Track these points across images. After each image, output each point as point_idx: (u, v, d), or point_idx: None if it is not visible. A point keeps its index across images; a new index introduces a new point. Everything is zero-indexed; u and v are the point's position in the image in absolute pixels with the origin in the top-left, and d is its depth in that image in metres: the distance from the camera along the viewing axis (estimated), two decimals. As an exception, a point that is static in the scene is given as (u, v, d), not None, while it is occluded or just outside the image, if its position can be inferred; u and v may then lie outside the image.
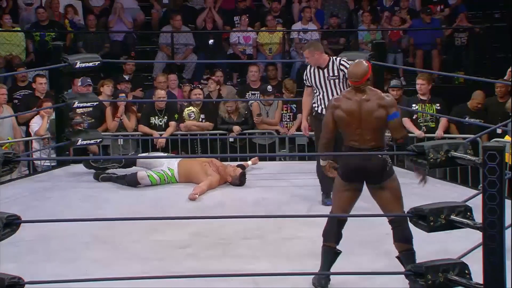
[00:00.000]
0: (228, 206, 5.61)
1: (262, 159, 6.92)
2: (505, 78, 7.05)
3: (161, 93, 7.62)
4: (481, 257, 3.34)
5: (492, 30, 9.66)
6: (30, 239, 4.73)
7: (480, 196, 3.34)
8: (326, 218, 4.25)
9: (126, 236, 4.93)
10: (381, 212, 4.07)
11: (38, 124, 7.18)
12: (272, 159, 7.35)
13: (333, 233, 4.06)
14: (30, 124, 7.32)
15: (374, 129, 3.95)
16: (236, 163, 6.47)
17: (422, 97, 7.26)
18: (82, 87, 7.56)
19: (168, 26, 9.85)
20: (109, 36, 9.90)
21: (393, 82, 7.57)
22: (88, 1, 10.41)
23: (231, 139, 7.55)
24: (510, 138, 5.86)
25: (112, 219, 4.97)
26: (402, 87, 7.84)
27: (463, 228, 3.43)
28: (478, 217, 3.37)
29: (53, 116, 7.02)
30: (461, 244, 4.21)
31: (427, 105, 7.24)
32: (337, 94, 5.32)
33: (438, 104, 7.28)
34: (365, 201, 4.21)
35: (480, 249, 3.39)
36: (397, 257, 3.98)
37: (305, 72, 5.66)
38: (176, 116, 7.60)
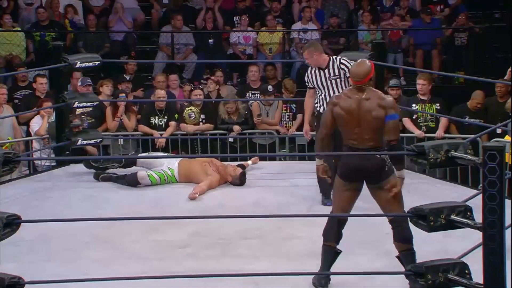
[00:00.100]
0: (228, 206, 5.61)
1: (262, 159, 6.91)
2: (505, 78, 7.05)
3: (161, 93, 7.62)
4: (481, 257, 3.34)
5: (492, 30, 9.65)
6: (30, 239, 4.73)
7: (480, 196, 3.34)
8: (326, 218, 4.25)
9: (126, 236, 4.93)
10: (381, 212, 4.07)
11: (38, 124, 7.18)
12: (272, 159, 7.35)
13: (333, 233, 4.06)
14: (30, 124, 7.32)
15: (373, 129, 3.94)
16: (236, 163, 6.47)
17: (422, 97, 7.26)
18: (82, 87, 7.56)
19: (168, 26, 9.85)
20: (109, 36, 9.90)
21: (392, 81, 7.58)
22: (88, 1, 10.41)
23: (231, 139, 7.55)
24: (510, 138, 5.86)
25: (112, 219, 4.97)
26: (401, 87, 7.84)
27: (463, 228, 3.43)
28: (478, 217, 3.37)
29: (53, 117, 7.01)
30: (461, 244, 4.21)
31: (427, 105, 7.24)
32: (338, 93, 5.30)
33: (438, 104, 7.28)
34: (365, 201, 4.21)
35: (480, 249, 3.39)
36: (397, 257, 3.98)
37: (306, 74, 5.65)
38: (176, 116, 7.61)
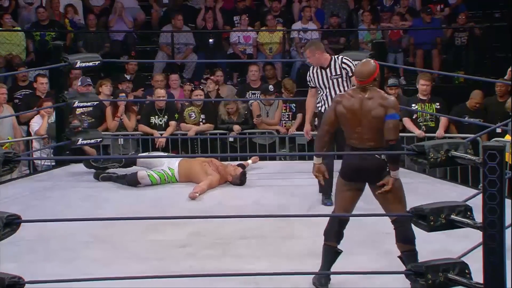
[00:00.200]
0: (228, 205, 5.61)
1: (262, 158, 6.91)
2: (505, 77, 7.05)
3: (160, 92, 7.62)
4: (481, 256, 3.34)
5: (492, 30, 9.65)
6: (30, 239, 4.73)
7: (480, 196, 3.34)
8: (326, 217, 4.25)
9: (126, 235, 4.93)
10: (382, 212, 4.06)
11: (38, 123, 7.18)
12: (272, 158, 7.34)
13: (334, 233, 4.06)
14: (30, 123, 7.32)
15: (373, 129, 3.93)
16: (236, 163, 6.47)
17: (421, 97, 7.26)
18: (82, 87, 7.57)
19: (169, 26, 9.85)
20: (110, 36, 9.90)
21: (391, 81, 7.57)
22: (88, 1, 10.41)
23: (231, 139, 7.55)
24: (510, 138, 5.86)
25: (112, 218, 4.97)
26: (399, 86, 7.84)
27: (463, 227, 3.43)
28: (478, 216, 3.37)
29: (53, 117, 7.01)
30: (461, 244, 4.21)
31: (427, 104, 7.24)
32: (342, 92, 5.29)
33: (437, 104, 7.28)
34: (365, 201, 4.21)
35: (480, 248, 3.39)
36: (399, 257, 3.98)
37: (308, 73, 5.63)
38: (176, 115, 7.61)
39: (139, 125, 7.56)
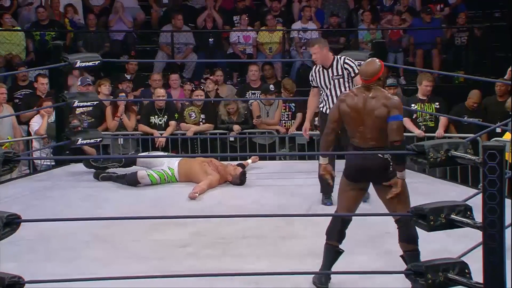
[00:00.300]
0: (228, 205, 5.61)
1: (262, 158, 6.91)
2: (505, 77, 7.05)
3: (160, 92, 7.62)
4: (481, 256, 3.34)
5: (492, 29, 9.66)
6: (30, 238, 4.73)
7: (480, 196, 3.34)
8: (326, 217, 4.25)
9: (126, 235, 4.93)
10: (382, 211, 4.06)
11: (38, 123, 7.18)
12: (272, 158, 7.35)
13: (336, 232, 4.06)
14: (30, 123, 7.32)
15: (375, 128, 3.93)
16: (236, 163, 6.47)
17: (421, 97, 7.26)
18: (81, 87, 7.57)
19: (168, 26, 9.85)
20: (109, 36, 9.91)
21: (389, 80, 7.58)
22: (88, 1, 10.41)
23: (231, 139, 7.55)
24: (509, 137, 5.86)
25: (112, 218, 4.97)
26: (398, 86, 7.84)
27: (463, 227, 3.43)
28: (478, 216, 3.37)
29: (52, 117, 7.01)
30: (461, 244, 4.21)
31: (426, 104, 7.24)
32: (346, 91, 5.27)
33: (437, 103, 7.28)
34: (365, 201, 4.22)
35: (480, 248, 3.39)
36: (401, 256, 3.98)
37: (311, 72, 5.61)
38: (176, 115, 7.61)
39: (139, 125, 7.56)
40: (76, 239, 4.84)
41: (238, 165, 6.33)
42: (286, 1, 10.35)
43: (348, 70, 5.44)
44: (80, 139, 6.56)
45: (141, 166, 6.30)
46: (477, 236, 3.44)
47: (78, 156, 7.13)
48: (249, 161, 6.62)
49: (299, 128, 7.58)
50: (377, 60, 4.08)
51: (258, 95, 7.96)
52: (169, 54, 9.62)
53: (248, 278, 3.98)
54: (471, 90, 7.49)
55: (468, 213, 3.41)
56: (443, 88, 8.74)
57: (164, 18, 10.24)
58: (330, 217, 4.21)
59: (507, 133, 5.95)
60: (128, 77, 8.76)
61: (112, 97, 7.67)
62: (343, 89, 5.38)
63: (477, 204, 3.43)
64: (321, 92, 5.55)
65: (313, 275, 4.09)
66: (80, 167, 6.53)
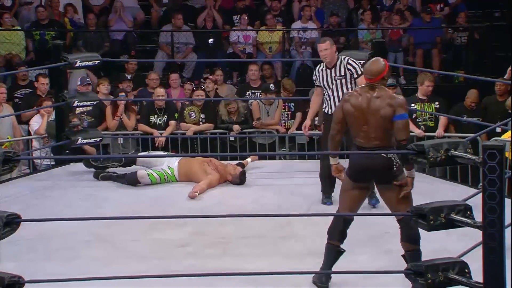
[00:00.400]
0: (228, 205, 5.61)
1: (262, 158, 6.91)
2: (505, 77, 7.05)
3: (160, 92, 7.62)
4: (481, 256, 3.34)
5: (492, 29, 9.66)
6: (30, 238, 4.73)
7: (480, 195, 3.35)
8: (326, 217, 4.25)
9: (126, 235, 4.93)
10: (386, 211, 4.06)
11: (38, 123, 7.18)
12: (272, 158, 7.35)
13: (338, 232, 4.06)
14: (30, 123, 7.32)
15: (380, 128, 3.92)
16: (235, 162, 6.47)
17: (421, 96, 7.26)
18: (81, 86, 7.57)
19: (168, 25, 9.85)
20: (109, 35, 9.90)
21: (388, 80, 7.55)
22: (88, 0, 10.41)
23: (231, 138, 7.55)
24: (509, 136, 5.86)
25: (112, 218, 4.97)
26: (397, 86, 7.84)
27: (463, 227, 3.43)
28: (478, 216, 3.37)
29: (52, 116, 7.01)
30: (461, 243, 4.22)
31: (426, 104, 7.24)
32: (343, 94, 5.27)
33: (437, 103, 7.28)
34: (365, 200, 4.21)
35: (480, 248, 3.39)
36: (403, 256, 3.97)
37: (314, 72, 5.59)
38: (176, 115, 7.61)
39: (139, 124, 7.56)
40: (76, 238, 4.84)
41: (238, 164, 6.33)
42: (286, 1, 10.34)
43: (351, 71, 5.42)
44: (80, 139, 6.56)
45: (141, 165, 6.31)
46: (477, 235, 3.44)
47: (78, 156, 7.13)
48: (249, 159, 6.62)
49: (299, 127, 7.59)
50: (382, 59, 4.08)
51: (258, 94, 7.96)
52: (169, 54, 9.61)
53: (248, 277, 3.98)
54: (469, 90, 7.50)
55: (468, 212, 3.41)
56: (443, 87, 8.74)
57: (164, 17, 10.24)
58: (330, 217, 4.21)
59: (507, 132, 5.95)
60: (129, 76, 8.75)
61: (112, 96, 7.67)
62: (345, 89, 5.37)
63: (477, 203, 3.43)
64: (324, 92, 5.53)
65: (313, 275, 4.09)
66: (80, 166, 6.53)
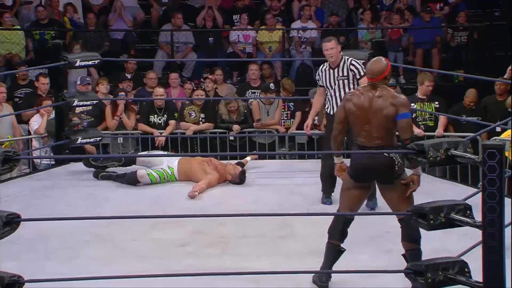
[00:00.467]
0: (227, 204, 5.61)
1: (261, 157, 6.91)
2: (505, 76, 7.06)
3: (159, 91, 7.62)
4: (480, 255, 3.34)
5: (492, 29, 9.66)
6: (30, 238, 4.73)
7: (480, 195, 3.35)
8: (326, 216, 4.25)
9: (126, 234, 4.93)
10: (386, 210, 4.06)
11: (37, 122, 7.18)
12: (272, 157, 7.35)
13: (338, 231, 4.06)
14: (29, 122, 7.32)
15: (382, 127, 3.91)
16: (235, 161, 6.46)
17: (420, 96, 7.26)
18: (81, 86, 7.57)
19: (168, 25, 9.85)
20: (109, 35, 9.90)
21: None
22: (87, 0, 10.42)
23: (230, 138, 7.56)
24: (508, 135, 5.86)
25: (112, 217, 4.96)
26: (396, 85, 7.84)
27: (463, 226, 3.43)
28: (478, 215, 3.37)
29: (52, 115, 7.01)
30: (460, 242, 4.22)
31: (426, 103, 7.24)
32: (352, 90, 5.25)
33: (436, 102, 7.29)
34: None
35: (480, 247, 3.39)
36: (403, 255, 3.97)
37: (318, 71, 5.58)
38: (176, 114, 7.61)
39: (139, 124, 7.56)
40: (76, 238, 4.84)
41: (237, 163, 6.33)
42: (286, 0, 10.35)
43: (354, 72, 5.40)
44: (80, 138, 6.56)
45: (140, 165, 6.31)
46: (477, 235, 3.44)
47: (77, 155, 7.13)
48: (248, 158, 6.62)
49: (299, 127, 7.59)
50: (383, 58, 4.08)
51: (258, 94, 7.96)
52: (169, 53, 9.62)
53: (248, 277, 3.98)
54: (468, 89, 7.50)
55: (468, 212, 3.41)
56: (443, 87, 8.74)
57: (164, 17, 10.24)
58: (330, 217, 4.20)
59: (507, 131, 5.95)
60: (129, 76, 8.75)
61: (111, 96, 7.66)
62: (347, 90, 5.34)
63: (476, 203, 3.43)
64: (327, 92, 5.51)
65: (313, 274, 4.09)
66: (80, 166, 6.53)
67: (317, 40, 9.77)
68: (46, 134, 7.06)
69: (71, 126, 6.72)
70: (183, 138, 7.50)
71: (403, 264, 3.85)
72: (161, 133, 7.44)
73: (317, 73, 5.60)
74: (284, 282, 3.97)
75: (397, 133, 3.97)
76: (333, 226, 4.09)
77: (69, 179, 6.34)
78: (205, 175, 6.03)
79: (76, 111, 7.26)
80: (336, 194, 4.82)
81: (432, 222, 3.39)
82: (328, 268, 4.05)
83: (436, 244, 4.22)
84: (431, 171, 6.40)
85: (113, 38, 9.89)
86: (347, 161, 4.16)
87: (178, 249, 4.72)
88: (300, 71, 9.46)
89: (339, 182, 4.36)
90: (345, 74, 5.42)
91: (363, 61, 5.54)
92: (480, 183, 3.37)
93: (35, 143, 7.21)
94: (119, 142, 7.53)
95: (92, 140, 6.70)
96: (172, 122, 7.54)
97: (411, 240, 3.94)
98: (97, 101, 6.92)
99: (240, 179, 6.12)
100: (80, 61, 6.45)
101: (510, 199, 4.03)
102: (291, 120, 7.73)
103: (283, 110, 7.77)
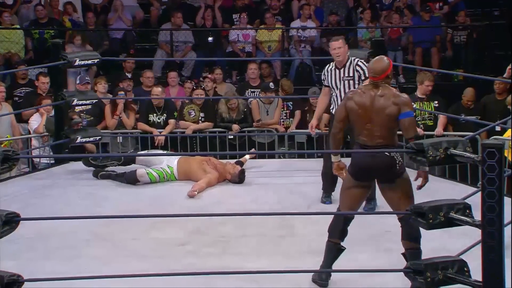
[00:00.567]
0: (227, 203, 5.61)
1: (261, 156, 6.91)
2: (504, 75, 7.06)
3: (156, 90, 7.61)
4: (480, 254, 3.34)
5: (491, 28, 9.66)
6: (30, 237, 4.73)
7: (479, 194, 3.35)
8: (326, 215, 4.25)
9: (126, 233, 4.93)
10: (386, 209, 4.06)
11: (37, 121, 7.18)
12: (271, 156, 7.35)
13: (338, 230, 4.06)
14: (29, 121, 7.32)
15: (384, 126, 3.91)
16: (234, 161, 6.46)
17: (420, 95, 7.26)
18: (80, 85, 7.57)
19: (168, 24, 9.85)
20: (108, 34, 9.90)
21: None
22: (87, -1, 10.43)
23: (230, 137, 7.56)
24: (509, 135, 5.86)
25: (111, 216, 4.96)
26: (397, 87, 7.83)
27: (462, 225, 3.43)
28: (477, 214, 3.37)
29: (51, 113, 7.01)
30: (460, 242, 4.22)
31: (425, 103, 7.24)
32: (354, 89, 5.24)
33: (436, 102, 7.28)
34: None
35: (479, 246, 3.39)
36: (403, 254, 3.98)
37: (323, 71, 5.56)
38: (175, 113, 7.61)
39: (138, 123, 7.56)
40: (76, 237, 4.84)
41: (237, 162, 6.33)
42: (285, 0, 10.34)
43: (359, 73, 5.38)
44: (79, 138, 6.56)
45: (140, 164, 6.31)
46: (476, 234, 3.45)
47: (77, 155, 7.13)
48: (247, 157, 6.62)
49: (298, 126, 7.60)
50: (385, 57, 4.08)
51: (258, 93, 7.96)
52: (168, 53, 9.61)
53: (248, 276, 3.99)
54: (466, 88, 7.51)
55: (467, 211, 3.41)
56: (442, 86, 8.75)
57: (163, 16, 10.24)
58: (330, 216, 4.20)
59: (507, 131, 5.95)
60: (129, 75, 8.75)
61: (110, 95, 7.66)
62: None
63: (476, 202, 3.43)
64: (332, 92, 5.50)
65: (313, 273, 4.09)
66: (79, 165, 6.53)
67: (317, 39, 9.78)
68: (45, 133, 7.06)
69: (72, 125, 6.71)
70: (183, 137, 7.50)
71: (403, 263, 3.85)
72: (160, 132, 7.44)
73: (322, 73, 5.57)
74: (284, 282, 3.97)
75: (399, 132, 3.98)
76: (333, 225, 4.10)
77: (68, 178, 6.34)
78: (204, 174, 6.03)
79: (76, 110, 7.26)
80: (336, 193, 4.82)
81: (431, 221, 3.39)
82: (328, 266, 4.05)
83: (436, 243, 4.23)
84: (430, 171, 6.33)
85: (113, 37, 9.89)
86: (348, 160, 4.16)
87: (177, 248, 4.72)
88: (299, 70, 9.46)
89: (340, 182, 4.35)
90: (351, 74, 5.40)
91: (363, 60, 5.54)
92: (480, 182, 3.37)
93: (34, 142, 7.20)
94: (118, 141, 7.53)
95: (91, 139, 6.71)
96: (171, 121, 7.54)
97: (411, 239, 3.94)
98: (96, 100, 6.93)
99: (239, 178, 6.12)
100: (79, 60, 6.45)
101: (509, 198, 4.03)
102: (290, 119, 7.73)
103: (282, 109, 7.77)
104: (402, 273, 3.59)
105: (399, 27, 9.75)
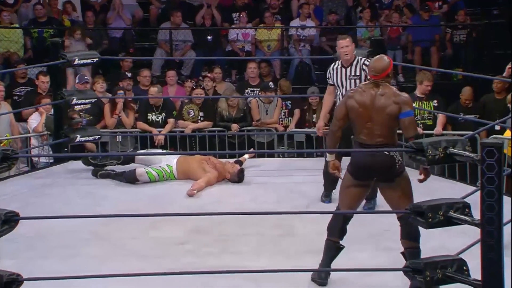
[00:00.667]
0: (226, 202, 5.61)
1: (260, 155, 6.91)
2: (504, 74, 7.06)
3: (152, 90, 7.61)
4: (479, 253, 3.34)
5: (490, 27, 9.66)
6: (29, 236, 4.73)
7: (478, 193, 3.35)
8: (325, 215, 4.25)
9: (125, 232, 4.92)
10: (386, 208, 4.06)
11: (36, 120, 7.18)
12: (271, 155, 7.35)
13: (337, 228, 4.06)
14: (28, 120, 7.32)
15: (384, 125, 3.91)
16: (234, 160, 6.46)
17: (419, 94, 7.26)
18: (79, 84, 7.56)
19: (167, 23, 9.84)
20: (108, 33, 9.90)
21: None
22: (86, -2, 10.42)
23: (229, 136, 7.55)
24: (509, 135, 5.86)
25: (111, 215, 4.96)
26: (395, 86, 7.83)
27: (462, 224, 3.43)
28: (476, 213, 3.37)
29: (51, 112, 7.01)
30: (459, 241, 4.22)
31: (425, 102, 7.23)
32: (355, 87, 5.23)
33: (435, 101, 7.28)
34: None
35: (479, 245, 3.39)
36: (402, 253, 3.98)
37: (329, 69, 5.54)
38: (174, 112, 7.61)
39: (137, 122, 7.56)
40: (75, 236, 4.84)
41: (236, 162, 6.33)
42: (285, -1, 10.35)
43: (366, 72, 5.38)
44: (79, 137, 6.56)
45: (139, 163, 6.31)
46: (475, 233, 3.45)
47: (76, 154, 7.13)
48: (246, 156, 6.62)
49: (298, 125, 7.60)
50: (386, 56, 4.09)
51: (257, 92, 7.96)
52: (168, 52, 9.61)
53: (247, 275, 3.99)
54: (463, 87, 7.51)
55: (466, 210, 3.41)
56: (442, 85, 8.74)
57: (163, 15, 10.23)
58: (329, 215, 4.21)
59: (507, 131, 5.96)
60: (129, 74, 8.75)
61: (109, 94, 7.66)
62: None
63: (475, 201, 3.43)
64: (337, 91, 5.49)
65: (312, 272, 4.09)
66: (78, 164, 6.53)
67: (316, 38, 9.78)
68: (44, 132, 7.06)
69: (72, 124, 6.71)
70: (182, 136, 7.50)
71: (402, 262, 3.85)
72: (159, 131, 7.44)
73: (327, 71, 5.55)
74: (283, 281, 3.97)
75: (399, 131, 3.98)
76: (332, 224, 4.10)
77: (68, 177, 6.34)
78: (203, 173, 6.03)
79: (75, 110, 7.26)
80: (337, 192, 4.81)
81: (430, 220, 3.39)
82: (326, 265, 4.05)
83: (435, 242, 4.23)
84: (430, 169, 6.38)
85: (112, 36, 9.88)
86: (347, 160, 4.16)
87: (177, 247, 4.72)
88: (298, 69, 9.46)
89: (340, 181, 4.35)
90: (358, 73, 5.39)
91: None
92: (479, 181, 3.37)
93: (33, 141, 7.20)
94: (117, 140, 7.53)
95: (91, 138, 6.70)
96: (170, 120, 7.53)
97: (410, 238, 3.94)
98: (95, 100, 6.92)
99: (238, 178, 6.12)
100: (78, 60, 6.45)
101: (509, 197, 4.03)
102: (289, 118, 7.73)
103: (281, 108, 7.76)
104: (401, 272, 3.59)
105: (399, 26, 9.74)
